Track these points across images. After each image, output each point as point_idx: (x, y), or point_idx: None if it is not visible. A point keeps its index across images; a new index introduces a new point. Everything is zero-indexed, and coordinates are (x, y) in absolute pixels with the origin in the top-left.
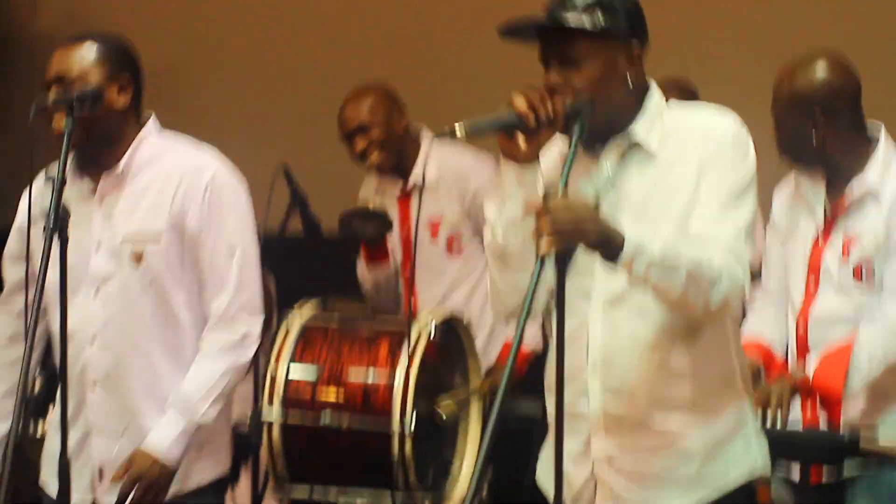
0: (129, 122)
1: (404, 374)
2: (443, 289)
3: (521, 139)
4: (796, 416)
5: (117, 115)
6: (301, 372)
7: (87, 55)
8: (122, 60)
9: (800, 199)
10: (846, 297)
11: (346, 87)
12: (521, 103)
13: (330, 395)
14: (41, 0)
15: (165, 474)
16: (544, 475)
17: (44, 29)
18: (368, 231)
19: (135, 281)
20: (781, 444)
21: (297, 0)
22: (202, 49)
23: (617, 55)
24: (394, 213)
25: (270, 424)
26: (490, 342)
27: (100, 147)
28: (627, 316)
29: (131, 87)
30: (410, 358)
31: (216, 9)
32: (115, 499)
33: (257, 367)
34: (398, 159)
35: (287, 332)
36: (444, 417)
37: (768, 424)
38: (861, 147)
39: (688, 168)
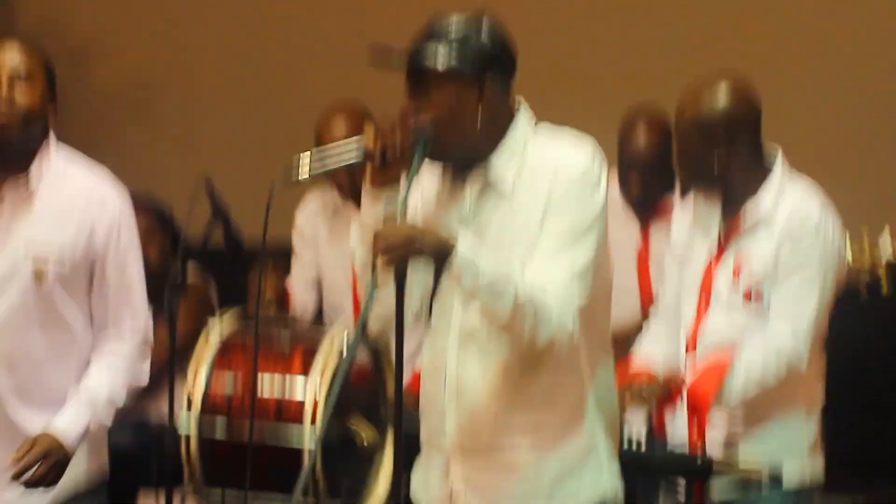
0: (46, 137)
1: (315, 387)
2: None
3: (370, 172)
4: (682, 432)
5: (44, 129)
6: (218, 381)
7: (37, 61)
8: (53, 76)
9: (697, 220)
10: (735, 319)
11: (272, 101)
12: (369, 139)
13: (244, 404)
14: (19, 8)
15: (65, 460)
16: (418, 491)
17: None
18: None
19: (31, 294)
20: (639, 464)
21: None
22: (164, 62)
23: (466, 91)
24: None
25: (188, 434)
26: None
27: (13, 155)
28: (477, 349)
29: (56, 102)
30: (322, 371)
31: (183, 22)
32: None
33: (172, 372)
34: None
35: (206, 342)
36: (364, 442)
37: (626, 432)
38: (758, 172)
39: (537, 205)
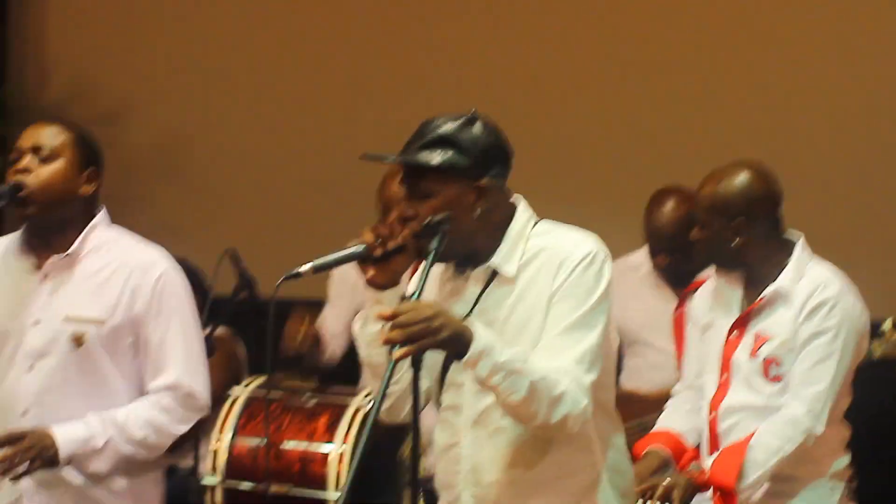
0: (86, 211)
1: (340, 444)
2: None
3: (370, 268)
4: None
5: (80, 203)
6: (243, 443)
7: (65, 136)
8: (93, 153)
9: (719, 297)
10: (754, 392)
11: (301, 159)
12: (368, 236)
13: (269, 466)
14: (51, 71)
15: (51, 458)
16: None
17: (53, 100)
18: None
19: (72, 360)
20: None
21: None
22: (194, 123)
23: (464, 190)
24: None
25: (213, 489)
26: None
27: (55, 229)
28: (491, 432)
29: (97, 179)
30: (347, 431)
31: (213, 82)
32: None
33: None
34: None
35: (232, 405)
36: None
37: None
38: (778, 255)
39: (542, 294)
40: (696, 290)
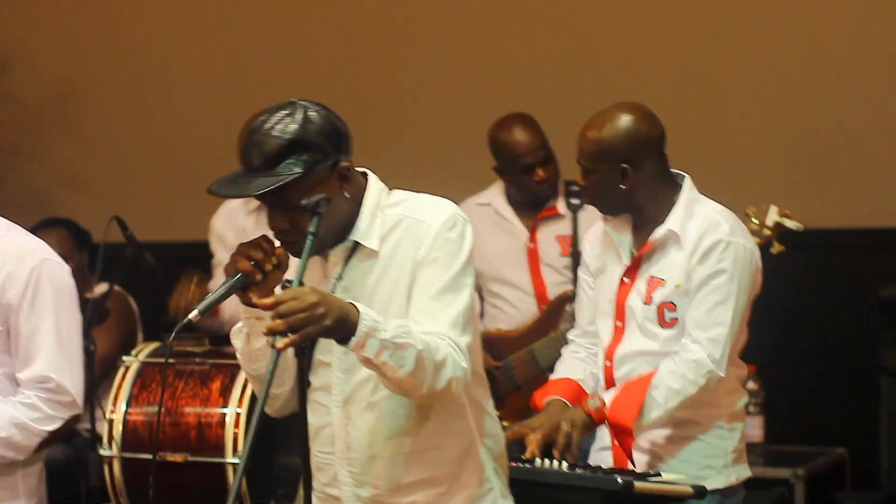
0: None
1: (235, 407)
2: None
3: (254, 293)
4: (605, 444)
5: None
6: (138, 412)
7: None
8: None
9: (608, 243)
10: (650, 338)
11: (195, 105)
12: (244, 264)
13: (166, 433)
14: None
15: None
16: None
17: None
18: None
19: None
20: (564, 488)
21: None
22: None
23: (327, 180)
24: None
25: (111, 460)
26: None
27: None
28: (363, 408)
29: None
30: (242, 394)
31: (106, 28)
32: None
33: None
34: None
35: (125, 373)
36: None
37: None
38: (666, 195)
39: (406, 263)
40: (546, 217)
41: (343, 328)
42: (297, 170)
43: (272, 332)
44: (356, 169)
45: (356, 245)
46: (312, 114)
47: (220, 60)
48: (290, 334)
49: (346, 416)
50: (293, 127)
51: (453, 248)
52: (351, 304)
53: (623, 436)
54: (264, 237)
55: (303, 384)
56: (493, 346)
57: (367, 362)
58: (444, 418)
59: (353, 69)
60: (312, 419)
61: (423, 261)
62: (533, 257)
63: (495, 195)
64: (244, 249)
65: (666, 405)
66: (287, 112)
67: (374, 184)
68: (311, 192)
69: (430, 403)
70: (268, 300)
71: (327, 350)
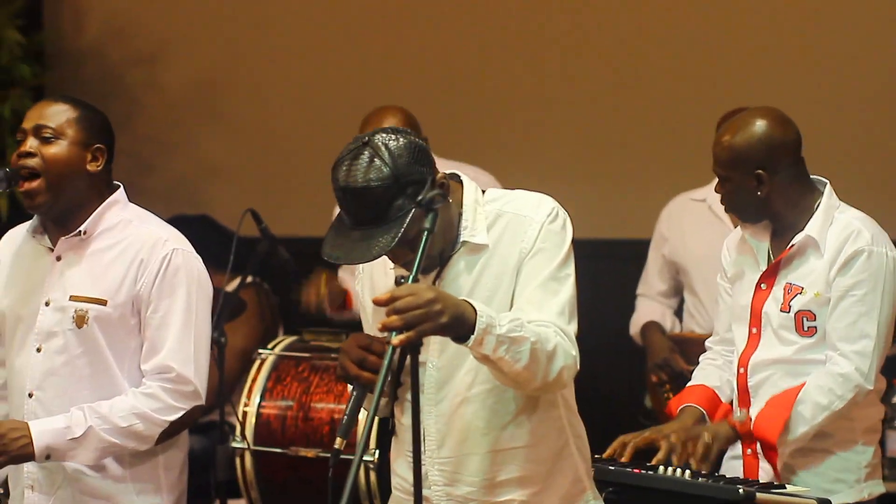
0: (97, 189)
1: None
2: None
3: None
4: (736, 453)
5: (86, 180)
6: (272, 406)
7: (68, 114)
8: (99, 129)
9: (745, 249)
10: (786, 344)
11: (341, 98)
12: (365, 378)
13: (298, 428)
14: (86, 14)
15: (22, 452)
16: None
17: (89, 43)
18: None
19: (75, 341)
20: (682, 497)
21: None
22: (233, 63)
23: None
24: None
25: (243, 453)
26: None
27: (65, 210)
28: (457, 405)
29: (103, 156)
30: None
31: (252, 22)
32: None
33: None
34: None
35: (260, 367)
36: None
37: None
38: (805, 201)
39: (509, 257)
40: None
41: (459, 325)
42: (409, 207)
43: (387, 329)
44: (446, 173)
45: (461, 243)
46: (393, 145)
47: (363, 56)
48: (405, 331)
49: (439, 413)
50: (386, 170)
51: (557, 240)
52: (465, 301)
53: (768, 451)
54: (367, 342)
55: (416, 383)
56: (686, 348)
57: (485, 359)
58: (538, 416)
59: (495, 68)
60: (404, 419)
61: (529, 253)
62: None
63: (711, 192)
64: (357, 355)
65: (813, 421)
66: (369, 155)
67: (468, 183)
68: (423, 218)
69: (538, 396)
70: (383, 296)
71: (425, 350)
